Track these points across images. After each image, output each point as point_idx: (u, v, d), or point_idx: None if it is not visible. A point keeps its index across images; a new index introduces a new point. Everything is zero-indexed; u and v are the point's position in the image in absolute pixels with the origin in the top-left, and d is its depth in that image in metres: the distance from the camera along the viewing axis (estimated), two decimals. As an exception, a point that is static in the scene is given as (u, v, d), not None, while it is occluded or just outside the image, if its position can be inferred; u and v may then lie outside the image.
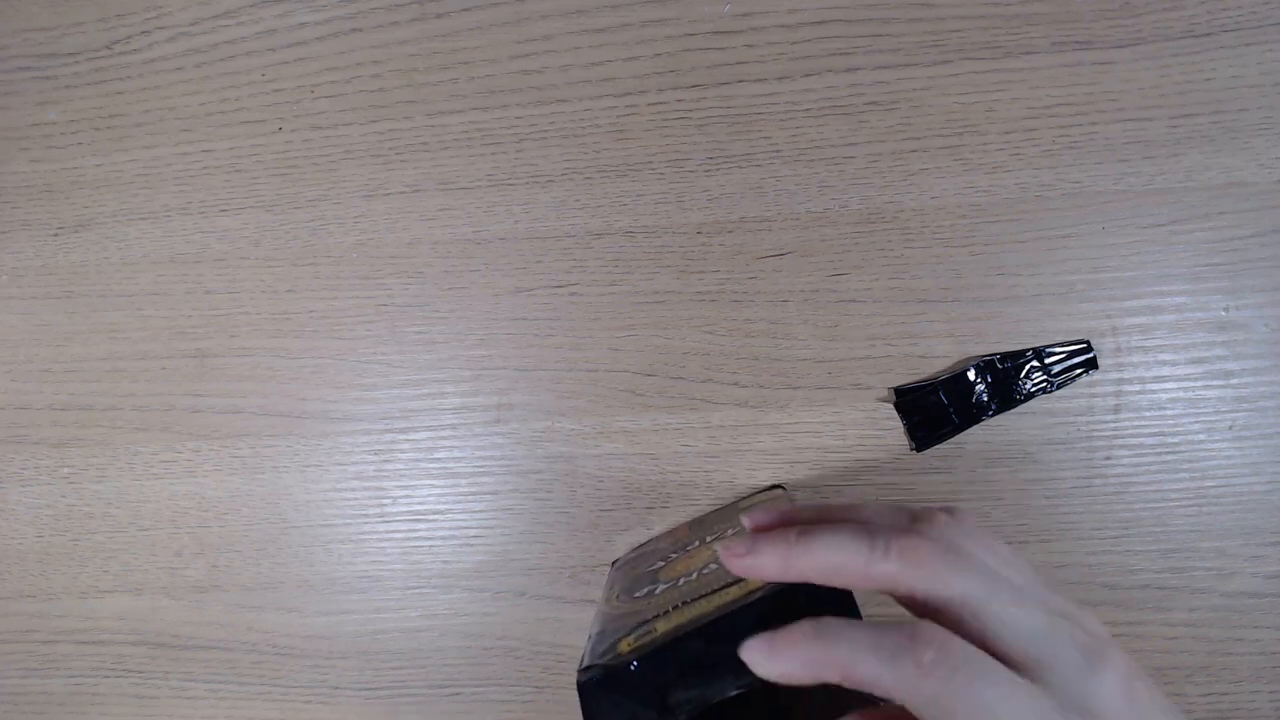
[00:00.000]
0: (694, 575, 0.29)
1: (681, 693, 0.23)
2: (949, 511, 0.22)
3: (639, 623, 0.27)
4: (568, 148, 0.41)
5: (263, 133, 0.43)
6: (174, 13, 0.44)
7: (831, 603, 0.23)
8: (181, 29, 0.44)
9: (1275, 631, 0.39)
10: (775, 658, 0.20)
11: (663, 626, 0.25)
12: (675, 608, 0.27)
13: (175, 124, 0.44)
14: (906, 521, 0.22)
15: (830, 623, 0.20)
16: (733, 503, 0.41)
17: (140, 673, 0.45)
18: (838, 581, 0.21)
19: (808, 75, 0.40)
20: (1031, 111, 0.39)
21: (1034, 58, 0.39)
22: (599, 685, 0.25)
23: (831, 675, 0.19)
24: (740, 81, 0.40)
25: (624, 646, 0.25)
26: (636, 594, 0.31)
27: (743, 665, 0.21)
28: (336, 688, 0.44)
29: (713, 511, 0.41)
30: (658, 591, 0.30)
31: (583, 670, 0.25)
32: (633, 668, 0.24)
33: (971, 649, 0.18)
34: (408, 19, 0.42)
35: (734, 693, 0.23)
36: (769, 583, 0.24)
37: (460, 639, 0.43)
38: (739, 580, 0.25)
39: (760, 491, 0.41)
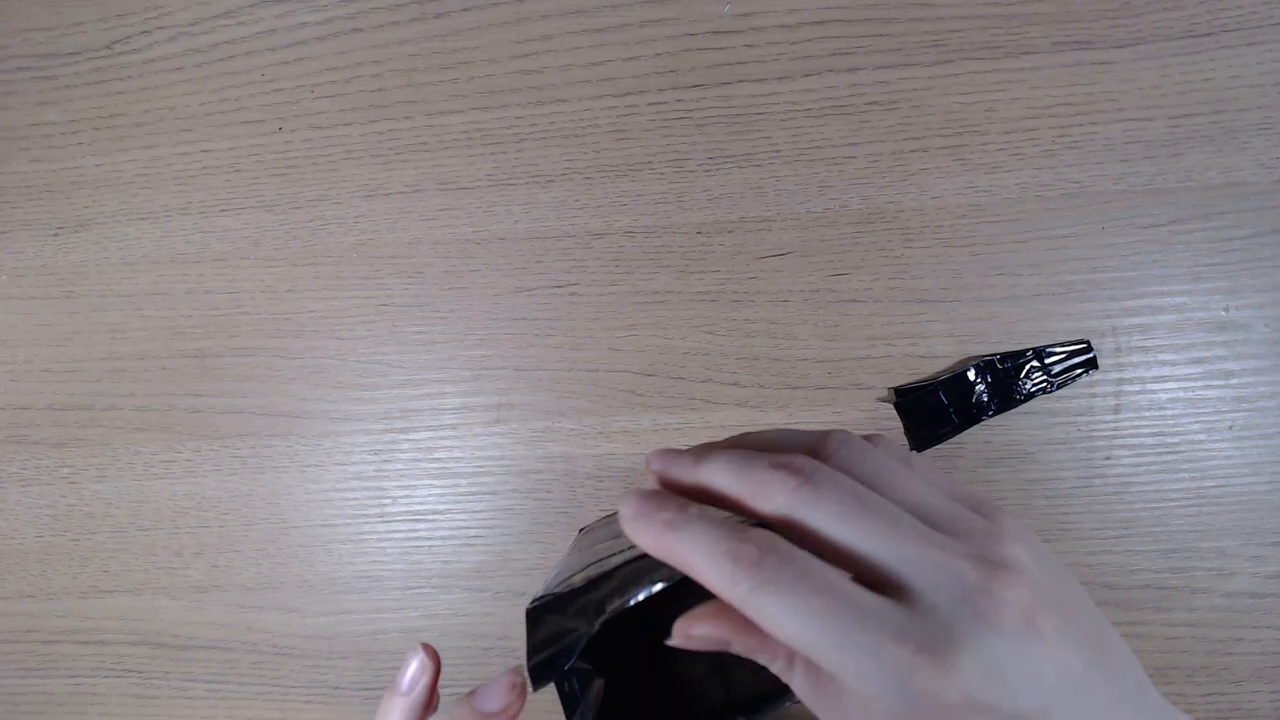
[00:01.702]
0: None
1: (617, 602, 0.24)
2: (841, 442, 0.21)
3: (596, 560, 0.27)
4: (568, 148, 0.41)
5: (263, 133, 0.43)
6: (174, 13, 0.44)
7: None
8: (181, 29, 0.44)
9: (1275, 631, 0.39)
10: (634, 527, 0.20)
11: (617, 560, 0.26)
12: (632, 546, 0.27)
13: (175, 124, 0.44)
14: (794, 473, 0.20)
15: (688, 514, 0.20)
16: None
17: (140, 673, 0.45)
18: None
19: (808, 75, 0.40)
20: (1031, 111, 0.39)
21: (1034, 58, 0.39)
22: (544, 610, 0.25)
23: (676, 563, 0.19)
24: (740, 81, 0.40)
25: (577, 579, 0.26)
26: (599, 545, 0.31)
27: (673, 569, 0.22)
28: (336, 688, 0.44)
29: None
30: (620, 540, 0.30)
31: (533, 599, 0.26)
32: (575, 587, 0.24)
33: (802, 556, 0.18)
34: (408, 19, 0.42)
35: (655, 589, 0.23)
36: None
37: (460, 639, 0.43)
38: None
39: None
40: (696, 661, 0.29)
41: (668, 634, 0.29)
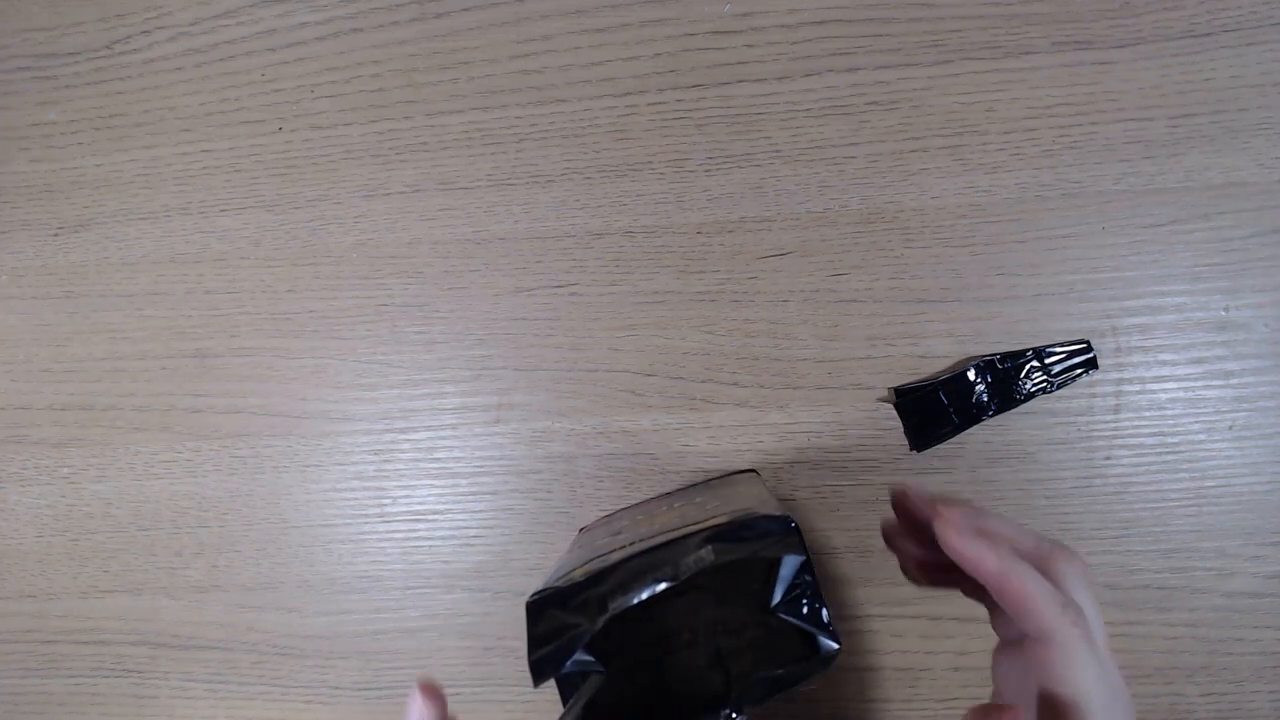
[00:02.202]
0: (657, 527, 0.30)
1: (620, 600, 0.24)
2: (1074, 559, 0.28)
3: (596, 556, 0.28)
4: (568, 148, 0.41)
5: (263, 133, 0.43)
6: (174, 13, 0.44)
7: (776, 537, 0.25)
8: (181, 29, 0.44)
9: (1275, 631, 0.39)
10: (977, 548, 0.25)
11: (617, 557, 0.26)
12: (632, 543, 0.27)
13: (175, 124, 0.44)
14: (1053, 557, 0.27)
15: (1015, 557, 0.25)
16: (704, 481, 0.41)
17: (140, 673, 0.45)
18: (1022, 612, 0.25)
19: (808, 75, 0.40)
20: (1031, 111, 0.39)
21: (1034, 58, 0.39)
22: (544, 603, 0.25)
23: (1010, 588, 0.25)
24: (740, 81, 0.40)
25: (578, 574, 0.26)
26: (599, 543, 0.32)
27: (676, 567, 0.24)
28: (336, 688, 0.44)
29: (681, 489, 0.41)
30: (620, 538, 0.30)
31: (533, 594, 0.26)
32: (577, 582, 0.25)
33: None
34: (408, 19, 0.42)
35: (659, 588, 0.24)
36: (719, 522, 0.26)
37: (460, 639, 0.43)
38: (698, 524, 0.27)
39: (736, 473, 0.41)
40: (697, 653, 0.30)
41: (667, 626, 0.29)
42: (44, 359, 0.45)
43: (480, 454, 0.43)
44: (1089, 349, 0.39)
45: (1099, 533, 0.40)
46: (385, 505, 0.43)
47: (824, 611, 0.26)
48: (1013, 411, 0.39)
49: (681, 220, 0.41)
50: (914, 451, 0.40)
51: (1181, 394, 0.39)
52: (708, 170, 0.41)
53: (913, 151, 0.40)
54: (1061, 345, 0.39)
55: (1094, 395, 0.39)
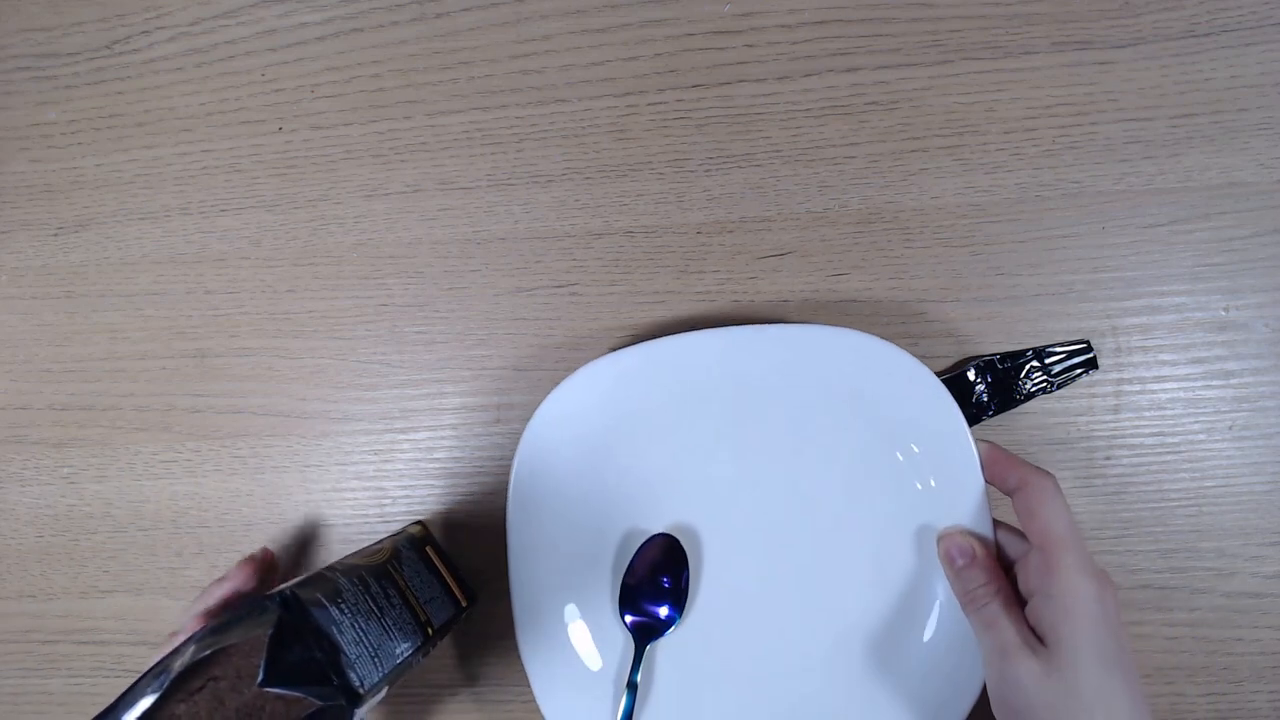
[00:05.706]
0: (358, 557, 0.35)
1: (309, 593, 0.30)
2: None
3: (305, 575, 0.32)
4: (568, 148, 0.41)
5: (263, 133, 0.43)
6: (174, 13, 0.44)
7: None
8: (181, 29, 0.44)
9: (1275, 631, 0.39)
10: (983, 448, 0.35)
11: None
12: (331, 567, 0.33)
13: (175, 124, 0.44)
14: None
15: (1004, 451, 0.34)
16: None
17: (140, 673, 0.45)
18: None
19: (808, 75, 0.40)
20: (1031, 111, 0.39)
21: (1034, 58, 0.39)
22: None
23: (995, 457, 0.34)
24: (740, 81, 0.40)
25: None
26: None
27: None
28: (336, 688, 0.44)
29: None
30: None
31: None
32: (286, 594, 0.29)
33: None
34: (408, 19, 0.42)
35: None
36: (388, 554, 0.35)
37: (460, 638, 0.43)
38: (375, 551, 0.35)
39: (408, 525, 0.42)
40: None
41: None
42: (44, 359, 0.45)
43: (480, 454, 0.43)
44: (1089, 349, 0.39)
45: (1099, 533, 0.40)
46: (385, 505, 0.43)
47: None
48: (1013, 411, 0.39)
49: (681, 220, 0.41)
50: (914, 451, 0.40)
51: (1181, 394, 0.39)
52: (708, 170, 0.41)
53: (913, 151, 0.40)
54: (1061, 345, 0.39)
55: (1094, 395, 0.39)
